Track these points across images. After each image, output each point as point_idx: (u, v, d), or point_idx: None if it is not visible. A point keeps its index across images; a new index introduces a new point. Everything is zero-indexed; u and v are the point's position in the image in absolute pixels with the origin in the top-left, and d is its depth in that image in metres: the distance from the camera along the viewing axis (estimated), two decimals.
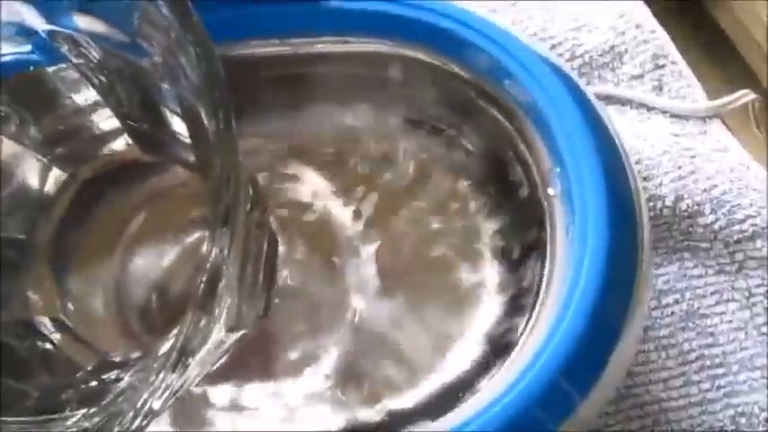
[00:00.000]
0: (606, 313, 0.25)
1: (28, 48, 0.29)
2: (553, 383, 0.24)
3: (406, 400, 0.29)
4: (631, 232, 0.26)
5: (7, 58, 0.29)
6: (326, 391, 0.29)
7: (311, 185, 0.33)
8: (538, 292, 0.27)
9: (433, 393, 0.28)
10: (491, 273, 0.30)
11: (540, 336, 0.26)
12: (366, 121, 0.33)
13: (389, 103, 0.32)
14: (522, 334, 0.27)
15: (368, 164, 0.32)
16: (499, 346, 0.28)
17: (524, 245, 0.29)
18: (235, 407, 0.30)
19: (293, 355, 0.30)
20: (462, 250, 0.30)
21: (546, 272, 0.27)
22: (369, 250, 0.31)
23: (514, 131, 0.29)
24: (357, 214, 0.32)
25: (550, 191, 0.28)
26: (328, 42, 0.31)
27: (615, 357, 0.25)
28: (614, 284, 0.26)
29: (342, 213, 0.32)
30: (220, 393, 0.30)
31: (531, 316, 0.27)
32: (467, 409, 0.26)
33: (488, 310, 0.29)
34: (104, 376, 0.28)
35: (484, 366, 0.28)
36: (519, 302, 0.28)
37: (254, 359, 0.30)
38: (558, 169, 0.27)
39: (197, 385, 0.29)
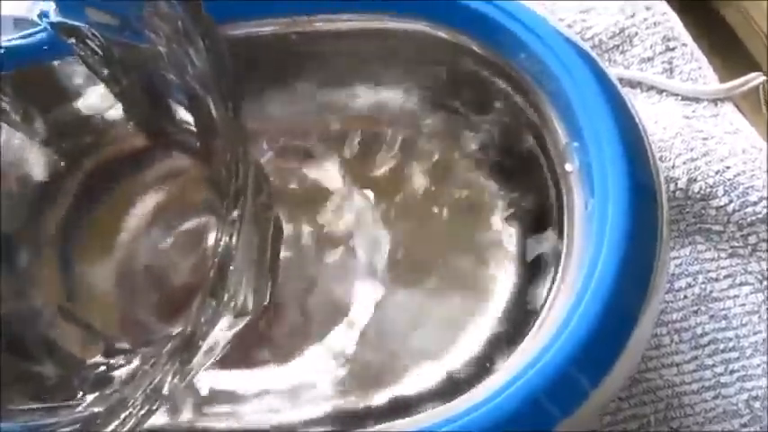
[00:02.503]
0: (624, 298, 0.25)
1: (33, 40, 0.29)
2: (566, 371, 0.24)
3: (414, 384, 0.28)
4: (652, 209, 0.26)
5: (12, 50, 0.28)
6: (337, 374, 0.29)
7: (321, 167, 0.32)
8: (555, 273, 0.27)
9: (442, 379, 0.28)
10: (507, 251, 0.29)
11: (557, 320, 0.25)
12: (379, 101, 0.32)
13: (404, 81, 0.32)
14: (538, 316, 0.27)
15: (381, 144, 0.32)
16: (514, 329, 0.28)
17: (541, 222, 0.29)
18: (240, 393, 0.29)
19: (303, 338, 0.30)
20: (478, 229, 0.30)
21: (563, 251, 0.27)
22: (381, 231, 0.31)
23: (530, 106, 0.29)
24: (368, 194, 0.32)
25: (568, 166, 0.27)
26: (340, 20, 0.30)
27: (631, 344, 0.25)
28: (634, 266, 0.25)
29: (353, 193, 0.32)
30: (226, 379, 0.30)
31: (547, 298, 0.27)
32: (475, 395, 0.26)
33: (503, 291, 0.29)
34: (113, 362, 0.28)
35: (497, 350, 0.28)
36: (535, 283, 0.28)
37: (261, 344, 0.30)
38: (577, 144, 0.27)
39: (204, 370, 0.29)
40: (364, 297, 0.30)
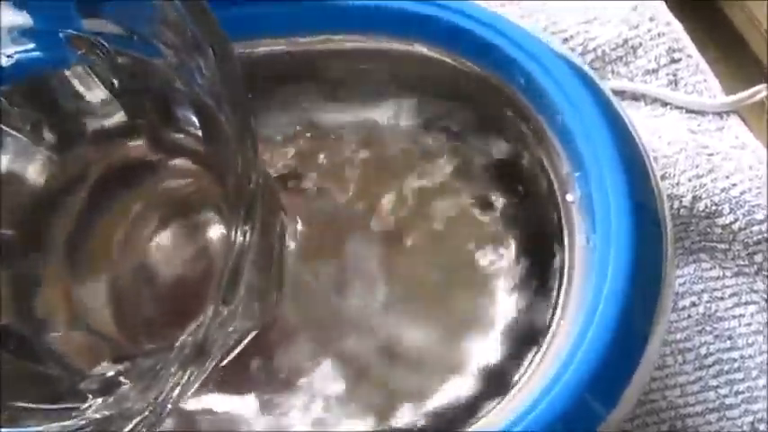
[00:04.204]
0: (632, 327, 0.25)
1: (43, 50, 0.29)
2: (581, 396, 0.24)
3: (417, 412, 0.28)
4: (656, 241, 0.25)
5: (22, 60, 0.29)
6: (337, 398, 0.29)
7: (321, 184, 0.32)
8: (556, 305, 0.26)
9: (444, 408, 0.28)
10: (505, 283, 0.29)
11: (563, 347, 0.25)
12: (378, 122, 0.32)
13: (401, 103, 0.31)
14: (539, 348, 0.26)
15: (380, 165, 0.31)
16: (516, 359, 0.27)
17: (540, 254, 0.28)
18: (241, 412, 0.29)
19: (303, 358, 0.29)
20: (475, 258, 0.29)
21: (564, 283, 0.26)
22: (381, 251, 0.30)
23: (531, 134, 0.28)
24: (370, 214, 0.31)
25: (569, 197, 0.27)
26: (339, 40, 0.30)
27: (642, 364, 0.25)
28: (639, 297, 0.25)
29: (354, 213, 0.31)
30: (225, 399, 0.29)
31: (548, 329, 0.26)
32: (487, 426, 0.26)
33: (503, 322, 0.28)
34: (120, 368, 0.28)
35: (498, 380, 0.27)
36: (535, 314, 0.27)
37: (262, 363, 0.29)
38: (578, 174, 0.26)
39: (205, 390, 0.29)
40: (365, 316, 0.30)
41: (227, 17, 0.28)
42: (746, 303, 0.35)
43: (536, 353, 0.26)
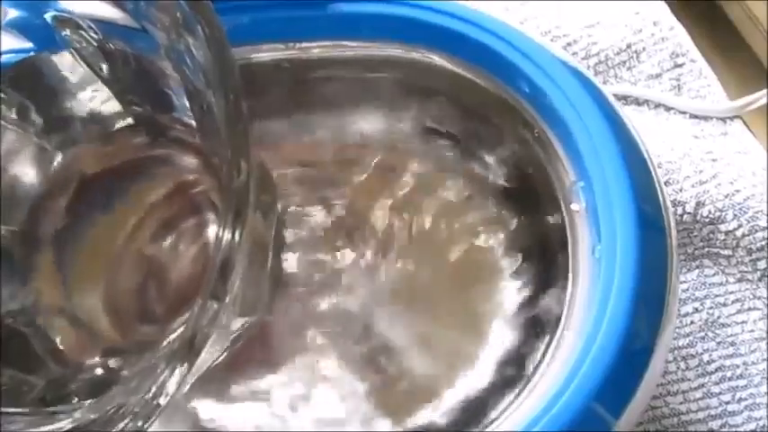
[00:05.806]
0: (638, 336, 0.24)
1: (30, 33, 0.28)
2: (586, 409, 0.24)
3: (420, 419, 0.28)
4: (661, 249, 0.25)
5: (9, 45, 0.28)
6: (344, 398, 0.29)
7: (320, 192, 0.32)
8: (560, 315, 0.26)
9: (448, 418, 0.28)
10: (508, 293, 0.29)
11: (566, 361, 0.25)
12: (379, 129, 0.32)
13: (403, 110, 0.31)
14: (542, 358, 0.26)
15: (380, 173, 0.31)
16: (517, 369, 0.27)
17: (545, 263, 0.28)
18: (242, 411, 0.29)
19: (306, 355, 0.29)
20: (478, 269, 0.29)
21: (568, 293, 0.26)
22: (381, 261, 0.30)
23: (535, 143, 0.28)
24: (369, 224, 0.31)
25: (574, 206, 0.27)
26: (339, 47, 0.30)
27: (645, 381, 0.25)
28: (645, 306, 0.25)
29: (353, 222, 0.31)
30: (225, 397, 0.29)
31: (551, 340, 0.26)
32: None
33: (505, 332, 0.28)
34: (111, 365, 0.28)
35: (500, 391, 0.27)
36: (539, 325, 0.27)
37: (264, 360, 0.30)
38: (583, 183, 0.26)
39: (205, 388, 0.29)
40: (362, 326, 0.30)
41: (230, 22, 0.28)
42: (749, 310, 0.34)
43: (542, 363, 0.26)
